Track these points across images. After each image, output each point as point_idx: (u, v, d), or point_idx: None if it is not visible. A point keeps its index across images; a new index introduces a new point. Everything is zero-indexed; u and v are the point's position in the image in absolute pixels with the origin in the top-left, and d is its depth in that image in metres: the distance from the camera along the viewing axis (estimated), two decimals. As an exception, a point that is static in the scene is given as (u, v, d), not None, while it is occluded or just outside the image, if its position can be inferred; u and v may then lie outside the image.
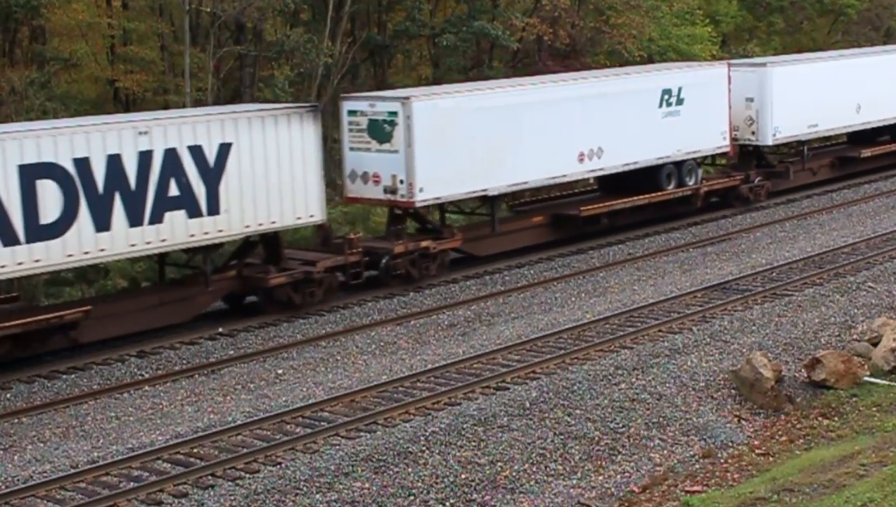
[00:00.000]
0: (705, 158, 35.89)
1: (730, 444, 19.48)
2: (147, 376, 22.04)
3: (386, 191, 27.64)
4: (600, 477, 18.04)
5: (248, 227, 24.76)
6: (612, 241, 32.50)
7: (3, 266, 21.34)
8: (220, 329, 24.68)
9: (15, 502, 16.48)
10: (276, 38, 38.08)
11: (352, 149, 28.20)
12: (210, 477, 17.06)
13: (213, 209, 24.02)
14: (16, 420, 19.84)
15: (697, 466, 18.69)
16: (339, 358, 22.83)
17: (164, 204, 23.34)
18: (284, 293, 25.65)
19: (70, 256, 22.25)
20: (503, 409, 19.56)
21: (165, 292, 25.11)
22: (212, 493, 16.57)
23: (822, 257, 29.83)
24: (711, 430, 19.82)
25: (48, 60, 35.10)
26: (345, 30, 38.89)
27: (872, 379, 21.67)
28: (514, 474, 17.73)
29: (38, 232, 21.65)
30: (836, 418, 20.30)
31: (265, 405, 20.07)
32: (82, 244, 22.29)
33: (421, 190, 27.40)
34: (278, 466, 17.41)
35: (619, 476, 18.14)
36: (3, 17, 34.22)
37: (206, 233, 24.04)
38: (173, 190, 23.43)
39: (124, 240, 22.89)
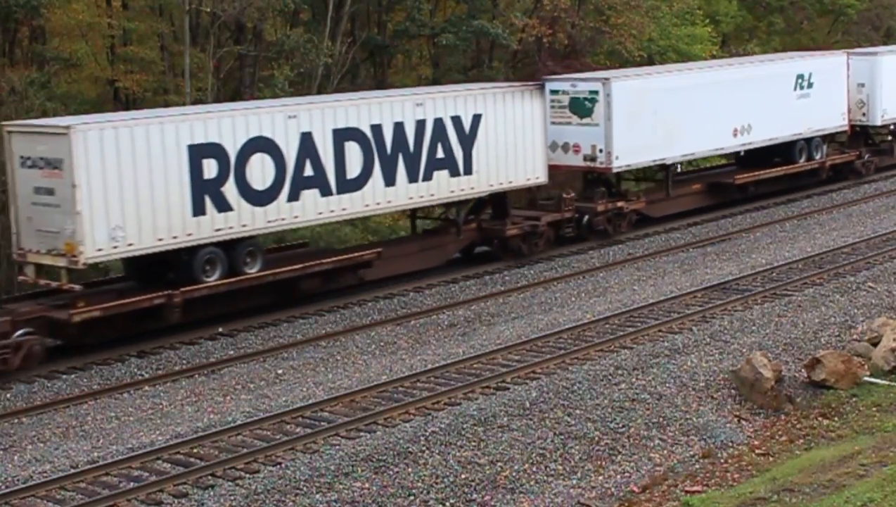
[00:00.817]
0: (826, 135, 40.03)
1: (730, 444, 19.47)
2: (147, 376, 22.04)
3: (585, 159, 32.35)
4: (600, 477, 18.04)
5: (492, 185, 29.45)
6: (612, 241, 32.55)
7: (320, 213, 26.03)
8: (220, 329, 24.69)
9: (15, 502, 16.48)
10: (276, 38, 38.06)
11: (553, 123, 32.23)
12: (210, 477, 17.05)
13: (468, 170, 28.76)
14: (16, 420, 19.84)
15: (697, 466, 18.69)
16: (339, 358, 22.84)
17: (434, 164, 28.00)
18: (516, 243, 30.50)
19: (367, 206, 26.92)
20: (503, 409, 19.56)
21: (425, 240, 30.08)
22: (212, 493, 16.57)
23: (822, 256, 29.83)
24: (711, 430, 19.81)
25: (48, 60, 35.06)
26: (345, 30, 38.88)
27: (872, 379, 21.67)
28: (514, 474, 17.73)
29: (346, 185, 26.20)
30: (836, 419, 20.30)
31: (265, 405, 20.06)
32: (375, 196, 26.89)
33: (617, 158, 32.09)
34: (278, 466, 17.41)
35: (619, 476, 18.14)
36: (3, 17, 34.18)
37: (462, 190, 28.86)
38: (440, 153, 28.08)
39: (405, 194, 27.55)
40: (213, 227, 23.91)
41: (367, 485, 16.98)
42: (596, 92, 31.76)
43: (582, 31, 42.40)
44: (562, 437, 18.89)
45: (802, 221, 34.86)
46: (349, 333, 24.48)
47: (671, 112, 33.18)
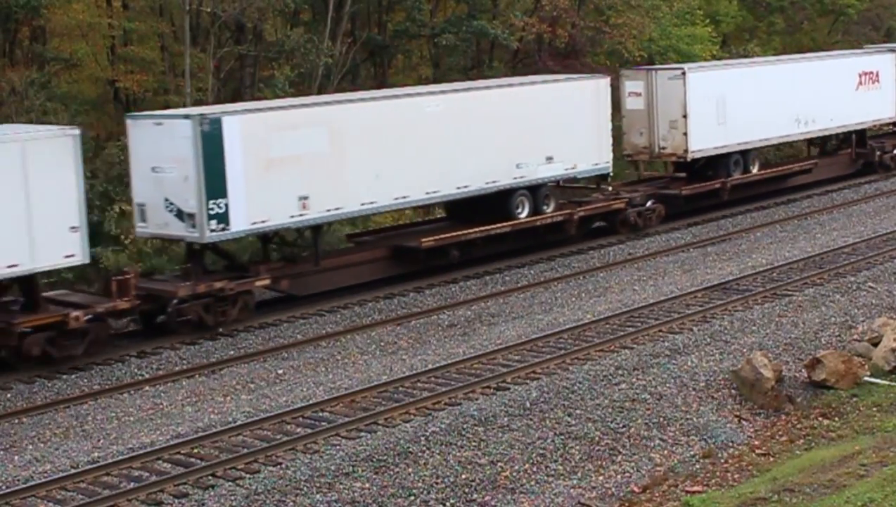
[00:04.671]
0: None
1: (730, 444, 19.47)
2: (147, 376, 22.04)
3: None
4: (600, 477, 18.04)
5: None
6: (612, 241, 32.56)
7: None
8: (220, 329, 24.69)
9: (15, 502, 16.48)
10: (276, 38, 38.05)
11: None
12: (210, 477, 17.05)
13: None
14: (16, 420, 19.84)
15: (698, 466, 18.69)
16: (339, 358, 22.84)
17: None
18: None
19: None
20: (503, 409, 19.56)
21: None
22: (212, 493, 16.57)
23: (822, 257, 29.83)
24: (712, 430, 19.81)
25: (48, 60, 35.05)
26: (345, 30, 38.86)
27: (873, 379, 21.67)
28: (514, 474, 17.73)
29: None
30: (836, 419, 20.30)
31: (265, 405, 20.07)
32: None
33: None
34: (278, 466, 17.41)
35: (619, 476, 18.14)
36: (3, 17, 34.19)
37: None
38: None
39: None
40: None
41: (367, 485, 16.99)
42: None
43: (582, 30, 42.41)
44: (562, 437, 18.89)
45: (802, 221, 34.86)
46: (349, 333, 24.48)
47: None
